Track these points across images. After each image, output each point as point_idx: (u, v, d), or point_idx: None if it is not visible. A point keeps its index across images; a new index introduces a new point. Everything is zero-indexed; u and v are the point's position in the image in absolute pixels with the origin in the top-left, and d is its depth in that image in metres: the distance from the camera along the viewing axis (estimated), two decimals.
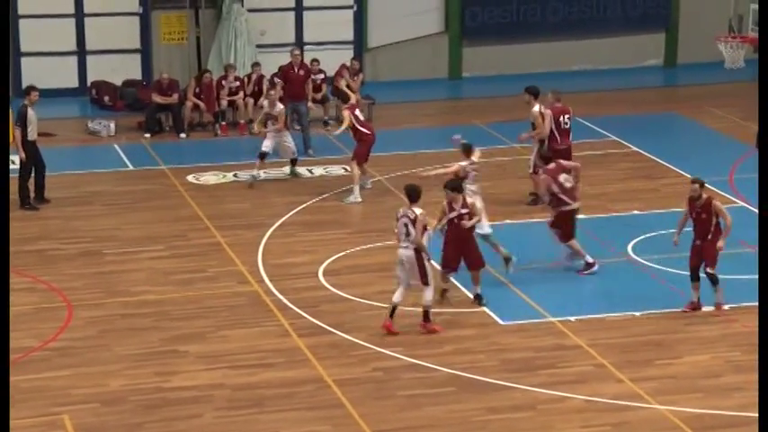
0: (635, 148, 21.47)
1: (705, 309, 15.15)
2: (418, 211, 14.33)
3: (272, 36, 25.05)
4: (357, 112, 19.05)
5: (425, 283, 14.42)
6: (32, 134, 18.57)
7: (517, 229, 17.95)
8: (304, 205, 18.90)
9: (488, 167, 20.64)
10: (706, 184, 15.26)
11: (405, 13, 25.84)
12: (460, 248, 15.04)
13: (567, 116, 18.44)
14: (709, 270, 15.03)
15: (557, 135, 18.28)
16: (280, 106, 19.68)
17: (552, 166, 16.14)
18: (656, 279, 16.07)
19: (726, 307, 15.16)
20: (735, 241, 16.83)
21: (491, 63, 25.94)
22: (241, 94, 22.86)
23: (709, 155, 21.14)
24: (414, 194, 14.46)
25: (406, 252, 14.36)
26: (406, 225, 14.34)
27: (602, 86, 25.09)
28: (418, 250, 14.31)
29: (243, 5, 24.46)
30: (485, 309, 15.20)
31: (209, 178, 20.26)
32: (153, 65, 24.61)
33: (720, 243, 14.87)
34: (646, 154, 21.22)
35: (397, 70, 25.74)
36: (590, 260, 16.06)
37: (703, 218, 14.92)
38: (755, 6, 18.27)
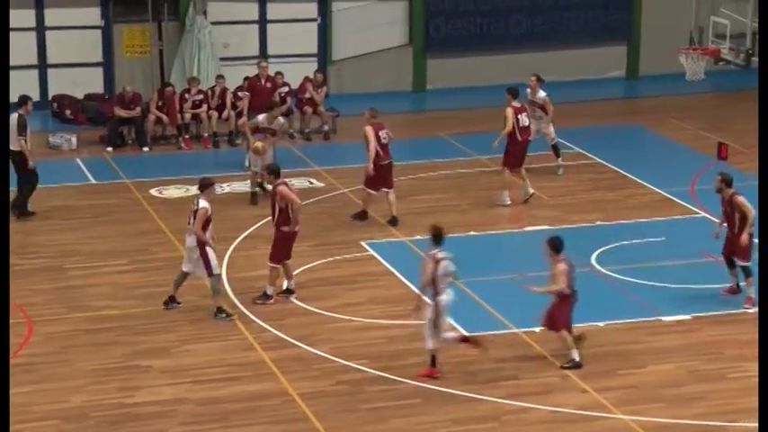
0: (598, 160, 21.59)
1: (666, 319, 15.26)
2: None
3: (236, 49, 25.01)
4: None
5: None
6: (29, 144, 18.65)
7: (481, 241, 18.00)
8: (268, 218, 18.83)
9: (452, 179, 20.71)
10: (730, 181, 15.61)
11: (369, 25, 25.89)
12: None
13: (524, 114, 19.18)
14: (740, 262, 15.42)
15: (517, 132, 18.92)
16: (281, 120, 19.62)
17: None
18: (620, 289, 16.15)
19: (753, 296, 15.34)
20: (696, 251, 17.00)
21: (455, 75, 26.03)
22: (205, 107, 22.80)
23: (670, 166, 21.30)
24: (438, 236, 13.53)
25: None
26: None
27: (564, 98, 25.16)
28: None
29: (206, 18, 24.41)
30: (449, 320, 15.20)
31: (173, 192, 20.18)
32: (115, 78, 24.50)
33: (743, 236, 15.27)
34: (609, 165, 21.34)
35: (362, 83, 25.76)
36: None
37: (727, 211, 15.51)
38: (716, 19, 18.46)
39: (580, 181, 20.55)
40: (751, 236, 15.50)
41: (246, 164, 19.98)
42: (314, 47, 25.70)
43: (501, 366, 14.06)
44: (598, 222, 18.61)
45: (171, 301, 15.52)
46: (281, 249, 15.69)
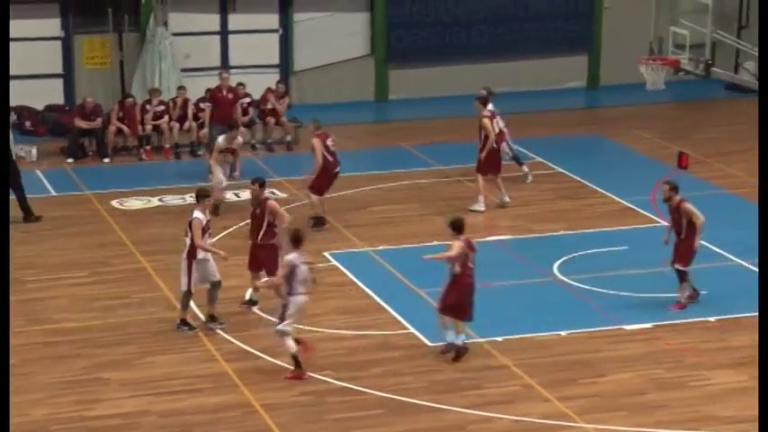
0: (559, 169, 21.69)
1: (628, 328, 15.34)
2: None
3: (197, 59, 24.93)
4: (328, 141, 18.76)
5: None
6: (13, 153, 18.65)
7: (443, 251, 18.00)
8: (231, 229, 18.79)
9: (414, 189, 20.73)
10: (677, 188, 15.81)
11: (330, 36, 25.89)
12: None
13: (496, 120, 19.54)
14: (677, 266, 15.63)
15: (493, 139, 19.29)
16: (240, 140, 19.46)
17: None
18: (582, 298, 16.21)
19: (683, 301, 15.66)
20: (657, 260, 17.10)
21: (417, 85, 26.07)
22: (166, 118, 22.71)
23: (631, 175, 21.41)
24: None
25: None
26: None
27: (526, 108, 25.32)
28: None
29: (167, 29, 24.32)
30: (412, 330, 15.20)
31: (134, 203, 20.07)
32: (75, 89, 24.34)
33: (694, 243, 15.53)
34: (570, 175, 21.44)
35: (323, 93, 25.75)
36: None
37: (676, 218, 15.76)
38: (675, 29, 18.61)
39: (541, 191, 20.63)
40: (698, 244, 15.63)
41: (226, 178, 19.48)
42: (276, 58, 25.67)
43: (464, 376, 14.07)
44: (560, 232, 18.68)
45: (211, 319, 15.24)
46: (275, 262, 15.37)
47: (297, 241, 13.93)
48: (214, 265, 15.05)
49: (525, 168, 20.91)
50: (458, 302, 14.30)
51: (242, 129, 21.55)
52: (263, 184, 15.77)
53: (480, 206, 19.28)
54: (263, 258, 15.57)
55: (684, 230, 15.69)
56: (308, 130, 18.73)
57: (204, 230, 14.89)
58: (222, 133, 21.37)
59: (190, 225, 14.88)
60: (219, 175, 19.11)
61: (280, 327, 13.91)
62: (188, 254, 14.89)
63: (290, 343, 13.92)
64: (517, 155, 20.95)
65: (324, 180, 18.53)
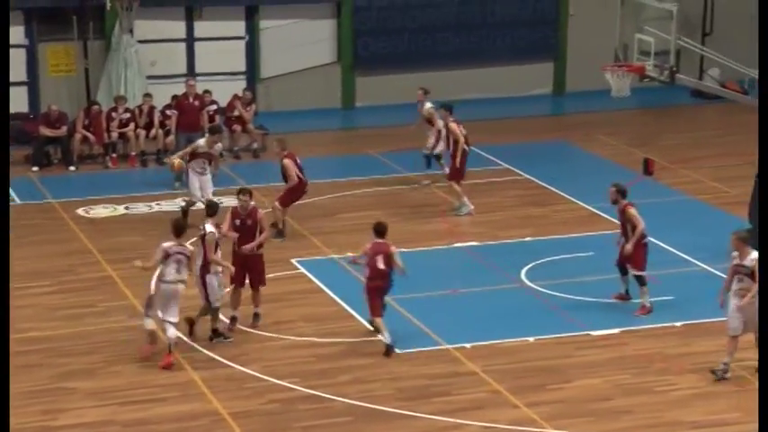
0: (526, 176, 21.75)
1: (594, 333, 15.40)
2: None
3: (163, 67, 24.84)
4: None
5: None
6: None
7: (411, 257, 18.00)
8: (196, 238, 18.68)
9: (380, 196, 20.73)
10: (624, 192, 16.02)
11: (297, 43, 25.87)
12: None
13: (461, 127, 19.56)
14: (633, 271, 15.75)
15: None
16: (220, 146, 19.19)
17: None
18: (549, 304, 16.26)
19: (647, 305, 15.76)
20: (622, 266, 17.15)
21: (384, 92, 26.07)
22: (132, 125, 22.61)
23: (597, 181, 21.41)
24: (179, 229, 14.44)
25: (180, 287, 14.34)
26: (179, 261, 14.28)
27: (492, 115, 25.39)
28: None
29: (132, 36, 24.22)
30: (380, 337, 15.20)
31: (100, 211, 19.95)
32: (40, 97, 24.18)
33: (628, 246, 15.67)
34: (536, 181, 21.51)
35: (290, 100, 25.72)
36: None
37: (622, 221, 15.96)
38: (640, 36, 18.72)
39: (508, 197, 20.68)
40: (645, 246, 15.81)
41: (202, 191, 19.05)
42: (242, 65, 25.62)
43: (433, 383, 14.07)
44: (527, 238, 18.73)
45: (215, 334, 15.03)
46: (263, 272, 15.47)
47: (177, 230, 14.37)
48: (222, 279, 14.87)
49: (428, 173, 21.01)
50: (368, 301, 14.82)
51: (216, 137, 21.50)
52: (251, 194, 15.55)
53: (467, 207, 19.33)
54: (251, 269, 15.29)
55: (630, 234, 15.85)
56: (275, 150, 18.59)
57: (216, 244, 14.70)
58: (189, 141, 21.36)
59: (202, 239, 14.59)
60: (195, 178, 18.87)
61: (146, 320, 14.36)
62: (202, 269, 14.60)
63: (148, 321, 14.41)
64: (431, 156, 20.98)
65: (293, 196, 18.55)
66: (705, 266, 17.41)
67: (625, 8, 19.16)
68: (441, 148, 20.57)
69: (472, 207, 19.45)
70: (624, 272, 16.01)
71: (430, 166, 21.12)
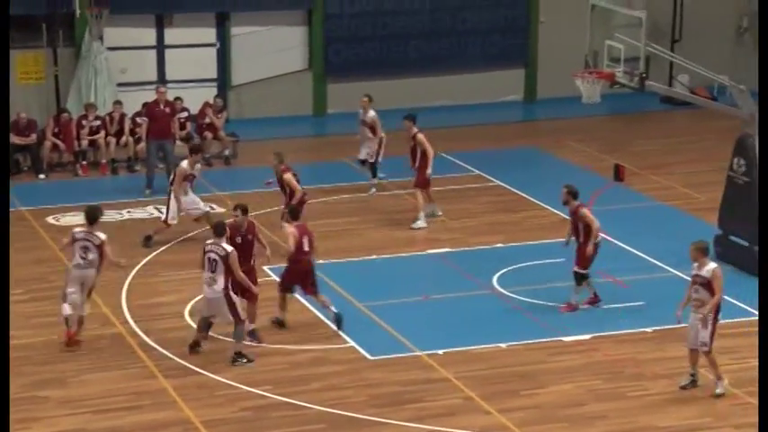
0: (497, 182, 21.81)
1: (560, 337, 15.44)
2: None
3: (134, 74, 24.75)
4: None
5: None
6: None
7: (383, 264, 18.03)
8: (169, 244, 18.66)
9: (353, 202, 20.73)
10: (575, 193, 16.17)
11: (268, 50, 25.85)
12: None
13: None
14: (576, 269, 15.91)
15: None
16: (198, 166, 18.62)
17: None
18: (521, 311, 16.30)
19: (574, 302, 16.01)
20: (594, 272, 17.24)
21: (355, 99, 26.01)
22: (102, 133, 22.51)
23: None
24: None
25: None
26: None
27: (464, 122, 25.45)
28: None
29: (102, 43, 24.12)
30: (353, 344, 15.20)
31: (71, 219, 19.82)
32: (10, 105, 24.00)
33: (588, 248, 15.86)
34: (508, 187, 21.56)
35: (262, 107, 25.69)
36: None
37: (574, 222, 16.09)
38: (610, 43, 18.82)
39: (480, 203, 20.73)
40: (596, 246, 15.98)
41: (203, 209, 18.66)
42: (213, 72, 25.56)
43: (405, 389, 14.07)
44: (498, 244, 18.77)
45: (195, 345, 14.78)
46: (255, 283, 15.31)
47: (91, 218, 14.85)
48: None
49: (374, 181, 21.00)
50: (297, 280, 15.39)
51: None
52: (245, 210, 15.31)
53: (422, 222, 19.24)
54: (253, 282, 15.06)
55: (582, 235, 16.00)
56: (276, 166, 18.03)
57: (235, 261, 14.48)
58: (160, 148, 21.30)
59: (225, 261, 14.27)
60: (187, 199, 18.37)
61: (65, 305, 14.72)
62: (225, 289, 14.31)
63: (65, 306, 14.77)
64: (376, 165, 21.00)
65: (301, 209, 18.07)
66: (676, 272, 17.50)
67: (595, 15, 19.25)
68: (380, 156, 20.71)
69: (426, 224, 19.17)
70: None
71: (375, 174, 21.10)
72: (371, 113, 21.18)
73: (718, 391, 13.73)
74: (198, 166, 18.71)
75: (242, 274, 14.45)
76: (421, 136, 19.32)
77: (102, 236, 14.97)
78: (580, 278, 16.08)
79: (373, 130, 21.06)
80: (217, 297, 14.37)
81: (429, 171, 19.29)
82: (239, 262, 14.76)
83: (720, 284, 13.57)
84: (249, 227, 15.29)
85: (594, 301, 16.26)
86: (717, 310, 13.67)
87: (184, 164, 18.46)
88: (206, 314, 14.73)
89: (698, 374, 13.93)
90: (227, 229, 14.80)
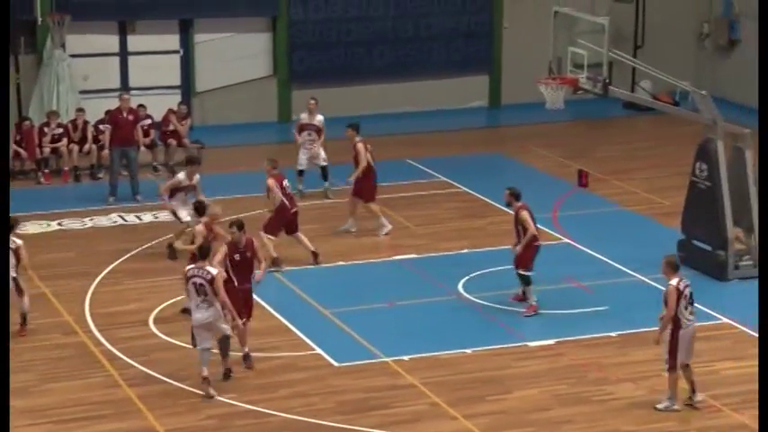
0: (463, 188, 21.84)
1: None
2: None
3: (97, 81, 24.61)
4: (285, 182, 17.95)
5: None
6: None
7: (349, 270, 18.01)
8: (132, 252, 18.55)
9: (319, 209, 20.69)
10: (518, 195, 16.44)
11: (232, 57, 25.78)
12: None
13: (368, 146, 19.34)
14: (518, 270, 16.14)
15: (372, 165, 19.13)
16: (198, 176, 18.13)
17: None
18: (486, 316, 16.32)
19: (534, 303, 16.13)
20: (559, 277, 17.31)
21: (320, 106, 26.06)
22: (65, 140, 22.37)
23: (533, 193, 21.44)
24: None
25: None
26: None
27: (429, 128, 25.49)
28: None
29: (65, 51, 23.96)
30: (319, 351, 15.16)
31: (33, 228, 19.67)
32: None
33: (518, 248, 16.18)
34: (473, 193, 21.60)
35: (226, 114, 25.62)
36: None
37: (515, 224, 16.42)
38: (573, 49, 18.90)
39: (446, 209, 20.75)
40: (535, 248, 16.15)
41: (186, 217, 17.93)
42: (177, 79, 25.46)
43: (371, 396, 14.05)
44: (464, 250, 18.79)
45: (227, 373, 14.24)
46: (251, 304, 14.82)
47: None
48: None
49: (327, 185, 21.04)
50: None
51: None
52: (241, 226, 14.80)
53: (386, 228, 19.21)
54: (242, 301, 14.57)
55: (522, 237, 16.18)
56: (266, 170, 17.72)
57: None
58: (123, 156, 21.18)
59: (209, 283, 13.73)
60: (183, 209, 18.02)
61: None
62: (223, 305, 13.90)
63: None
64: (327, 167, 20.98)
65: (279, 221, 17.70)
66: (640, 276, 17.59)
67: (558, 22, 19.34)
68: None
69: (390, 227, 19.07)
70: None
71: (326, 178, 21.06)
72: (320, 117, 21.15)
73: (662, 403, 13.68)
74: (197, 177, 18.10)
75: (227, 299, 13.77)
76: (360, 146, 18.96)
77: (19, 241, 15.42)
78: (525, 279, 16.17)
79: (320, 133, 21.04)
80: (214, 317, 13.76)
81: (352, 179, 18.88)
82: (238, 280, 14.46)
83: (672, 300, 13.34)
84: (247, 243, 14.67)
85: (521, 298, 16.43)
86: (676, 326, 13.48)
87: (181, 175, 18.02)
88: (205, 345, 13.90)
89: (694, 389, 13.71)
90: (227, 246, 14.35)
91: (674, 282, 13.37)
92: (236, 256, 14.61)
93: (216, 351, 14.17)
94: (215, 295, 13.80)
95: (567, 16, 19.45)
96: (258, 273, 14.79)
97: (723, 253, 17.42)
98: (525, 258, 16.19)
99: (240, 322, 14.34)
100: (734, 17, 27.20)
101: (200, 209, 16.12)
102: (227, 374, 14.23)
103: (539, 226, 16.63)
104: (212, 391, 13.86)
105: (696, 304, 15.52)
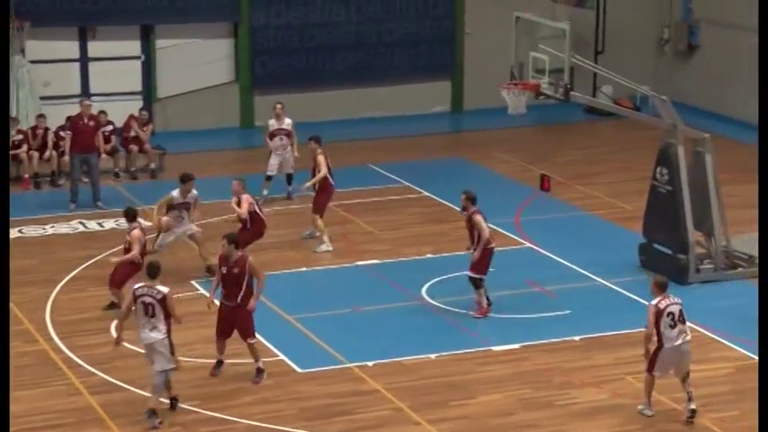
0: (425, 193, 21.87)
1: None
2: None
3: (57, 87, 24.44)
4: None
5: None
6: None
7: (312, 276, 17.99)
8: (94, 259, 18.43)
9: (282, 215, 20.65)
10: (473, 199, 16.45)
11: (194, 62, 25.69)
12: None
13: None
14: (470, 273, 16.20)
15: (330, 178, 18.93)
16: (194, 192, 17.79)
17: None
18: (450, 321, 16.35)
19: (484, 305, 16.15)
20: (522, 282, 17.37)
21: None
22: (25, 147, 22.19)
23: (495, 198, 21.66)
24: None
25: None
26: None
27: (391, 133, 25.51)
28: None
29: (24, 56, 23.79)
30: (282, 357, 15.12)
31: None
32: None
33: (476, 254, 16.20)
34: (436, 198, 21.64)
35: (188, 120, 25.52)
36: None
37: (469, 227, 16.42)
38: (535, 54, 18.98)
39: (409, 214, 20.77)
40: (489, 252, 16.20)
41: (157, 243, 17.58)
42: (138, 85, 25.34)
43: (335, 401, 14.03)
44: (427, 255, 18.81)
45: (173, 401, 13.75)
46: (251, 323, 14.41)
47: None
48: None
49: (290, 188, 21.02)
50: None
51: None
52: (232, 240, 14.31)
53: (328, 246, 18.83)
54: (239, 320, 14.31)
55: (476, 241, 16.23)
56: (236, 188, 17.56)
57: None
58: (84, 162, 21.04)
59: (161, 303, 13.30)
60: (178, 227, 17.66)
61: None
62: (168, 334, 13.45)
63: None
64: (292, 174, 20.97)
65: (250, 235, 17.49)
66: (602, 281, 17.68)
67: (519, 27, 19.42)
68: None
69: (332, 248, 18.78)
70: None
71: (291, 182, 21.07)
72: (289, 120, 21.13)
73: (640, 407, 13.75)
74: (193, 193, 17.76)
75: (177, 315, 13.45)
76: (321, 158, 18.73)
77: None
78: (475, 282, 16.22)
79: (290, 136, 21.01)
80: (159, 340, 13.34)
81: (308, 185, 18.75)
82: (223, 295, 14.28)
83: (649, 319, 13.25)
84: (240, 260, 14.24)
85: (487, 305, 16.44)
86: (659, 344, 13.32)
87: (175, 193, 17.67)
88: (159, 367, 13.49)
89: (690, 399, 13.65)
90: (160, 269, 13.70)
91: (654, 301, 13.33)
92: (224, 269, 14.37)
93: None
94: (166, 316, 13.31)
95: (529, 22, 19.53)
96: (251, 302, 14.33)
97: (684, 257, 17.55)
98: (479, 263, 16.21)
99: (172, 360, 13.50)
100: (693, 22, 27.43)
101: (130, 215, 16.25)
102: (172, 404, 13.72)
103: (491, 225, 16.66)
104: (157, 422, 13.34)
105: None
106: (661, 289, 13.39)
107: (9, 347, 10.89)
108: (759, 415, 11.69)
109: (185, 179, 17.89)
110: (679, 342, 13.34)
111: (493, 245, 16.39)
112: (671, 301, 13.34)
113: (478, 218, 16.27)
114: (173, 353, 13.46)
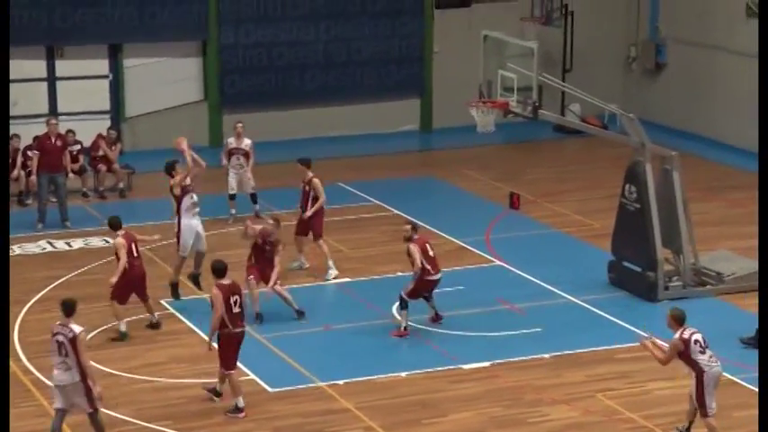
0: (395, 212, 21.90)
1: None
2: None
3: (25, 107, 24.31)
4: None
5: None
6: None
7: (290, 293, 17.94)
8: (63, 279, 18.31)
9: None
10: (416, 228, 16.70)
11: (163, 81, 25.64)
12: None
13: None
14: (401, 292, 16.29)
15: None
16: (196, 205, 17.81)
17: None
18: (421, 339, 16.35)
19: (403, 328, 16.24)
20: (493, 300, 17.40)
21: (252, 130, 25.87)
22: None
23: (465, 216, 21.78)
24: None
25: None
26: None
27: (361, 152, 25.53)
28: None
29: None
30: (253, 376, 15.06)
31: None
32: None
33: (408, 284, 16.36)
34: (405, 216, 21.62)
35: (157, 139, 25.40)
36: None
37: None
38: (504, 73, 19.08)
39: (379, 233, 20.78)
40: (423, 283, 16.29)
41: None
42: (106, 104, 25.25)
43: (307, 421, 13.99)
44: (397, 273, 18.81)
45: None
46: (232, 352, 14.25)
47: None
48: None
49: (257, 207, 20.98)
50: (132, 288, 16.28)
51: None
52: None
53: (335, 270, 18.62)
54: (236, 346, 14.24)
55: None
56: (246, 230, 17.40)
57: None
58: (51, 182, 20.92)
59: (71, 342, 12.65)
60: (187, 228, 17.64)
61: None
62: (83, 376, 12.82)
63: None
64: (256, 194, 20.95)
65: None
66: (571, 298, 17.75)
67: (488, 46, 19.52)
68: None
69: (336, 272, 18.61)
70: (427, 297, 16.56)
71: (256, 201, 21.00)
72: (248, 141, 21.12)
73: None
74: (195, 204, 17.82)
75: (87, 361, 12.69)
76: (317, 181, 18.65)
77: None
78: (404, 303, 16.25)
79: (247, 157, 21.00)
80: (73, 383, 12.71)
81: (321, 219, 18.55)
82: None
83: (671, 352, 13.13)
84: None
85: (435, 318, 16.54)
86: (699, 373, 13.13)
87: (177, 178, 17.93)
88: (60, 405, 12.87)
89: (691, 421, 13.58)
90: (74, 308, 13.03)
91: (677, 334, 13.13)
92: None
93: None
94: (75, 356, 12.63)
95: (497, 40, 19.64)
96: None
97: (653, 274, 17.65)
98: (413, 289, 16.27)
99: (99, 389, 12.92)
100: (660, 41, 27.66)
101: (114, 224, 16.41)
102: None
103: (463, 243, 16.62)
104: None
105: (627, 325, 15.69)
106: (678, 323, 13.22)
107: (9, 346, 10.67)
108: (759, 414, 11.71)
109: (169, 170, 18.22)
110: (714, 364, 13.20)
111: (431, 277, 16.30)
112: (692, 330, 13.21)
113: (413, 248, 16.34)
114: (91, 398, 12.81)
